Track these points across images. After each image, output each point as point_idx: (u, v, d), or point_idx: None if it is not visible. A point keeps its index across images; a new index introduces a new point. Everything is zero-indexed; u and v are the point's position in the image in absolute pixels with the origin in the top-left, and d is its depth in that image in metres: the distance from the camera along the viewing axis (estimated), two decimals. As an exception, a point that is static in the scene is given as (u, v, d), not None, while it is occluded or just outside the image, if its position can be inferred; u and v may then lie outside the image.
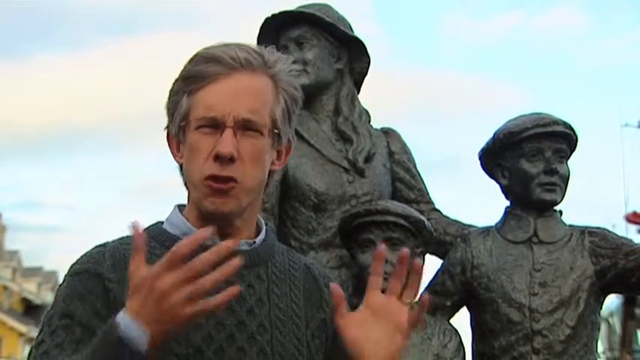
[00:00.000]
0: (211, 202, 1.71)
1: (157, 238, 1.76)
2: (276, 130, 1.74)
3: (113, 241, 1.77)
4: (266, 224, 1.83)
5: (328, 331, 1.78)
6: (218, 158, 1.69)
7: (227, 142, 1.68)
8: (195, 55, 1.75)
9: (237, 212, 1.73)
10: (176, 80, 1.76)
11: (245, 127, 1.70)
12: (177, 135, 1.76)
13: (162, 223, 1.80)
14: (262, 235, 1.80)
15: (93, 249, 1.75)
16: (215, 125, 1.70)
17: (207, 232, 1.52)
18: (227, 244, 1.51)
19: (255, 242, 1.77)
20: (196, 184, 1.72)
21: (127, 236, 1.76)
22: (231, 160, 1.68)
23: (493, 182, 3.14)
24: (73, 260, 1.75)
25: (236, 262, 1.50)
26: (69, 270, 1.74)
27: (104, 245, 1.76)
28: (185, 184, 1.78)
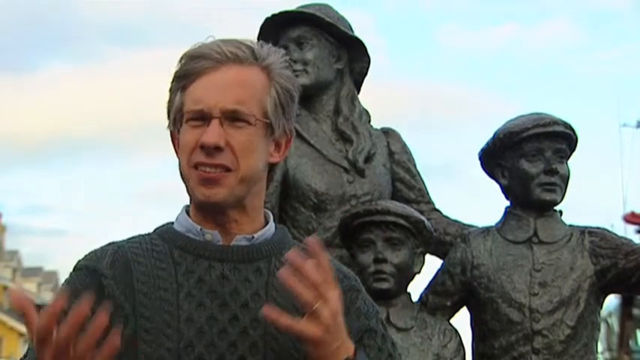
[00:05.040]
0: (201, 192, 1.73)
1: (163, 235, 1.80)
2: (267, 120, 1.76)
3: (122, 241, 1.81)
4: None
5: None
6: (203, 148, 1.71)
7: (211, 133, 1.71)
8: (185, 54, 1.78)
9: (230, 202, 1.75)
10: (172, 80, 1.80)
11: (233, 117, 1.73)
12: (176, 132, 1.79)
13: (172, 223, 1.83)
14: (268, 231, 1.81)
15: (101, 246, 1.79)
16: (203, 117, 1.73)
17: (59, 303, 1.51)
18: (82, 309, 1.50)
19: (253, 237, 1.78)
20: (186, 174, 1.75)
21: (135, 236, 1.82)
22: (217, 149, 1.71)
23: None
24: (75, 262, 1.79)
25: (102, 319, 1.50)
26: (74, 266, 1.79)
27: (112, 243, 1.80)
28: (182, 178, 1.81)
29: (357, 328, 1.76)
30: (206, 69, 1.74)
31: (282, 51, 1.82)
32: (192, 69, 1.75)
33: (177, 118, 1.77)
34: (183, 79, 1.76)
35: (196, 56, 1.75)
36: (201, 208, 1.77)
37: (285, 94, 1.78)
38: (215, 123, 1.72)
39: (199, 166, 1.73)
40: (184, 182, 1.79)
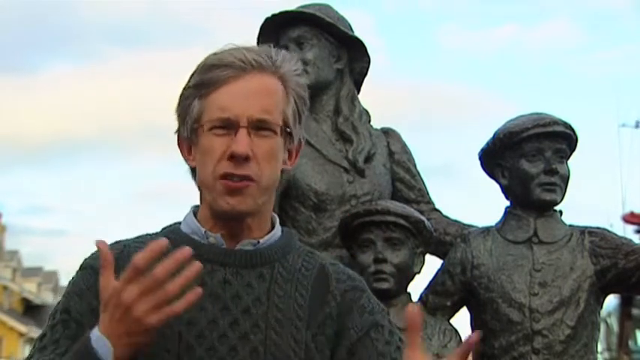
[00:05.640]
0: (226, 201, 1.73)
1: (168, 236, 1.78)
2: (288, 130, 1.77)
3: (128, 239, 1.81)
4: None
5: (334, 325, 1.76)
6: (233, 158, 1.71)
7: (242, 142, 1.71)
8: (205, 62, 1.77)
9: (252, 211, 1.75)
10: (187, 87, 1.78)
11: (258, 127, 1.73)
12: (188, 138, 1.78)
13: (179, 223, 1.83)
14: (273, 236, 1.80)
15: (110, 245, 1.77)
16: (229, 126, 1.72)
17: (161, 242, 1.55)
18: (184, 251, 1.53)
19: (259, 242, 1.78)
20: (210, 184, 1.74)
21: (143, 235, 1.82)
22: (246, 159, 1.71)
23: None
24: (75, 262, 1.81)
25: (196, 266, 1.53)
26: (80, 264, 1.79)
27: (118, 242, 1.80)
28: (198, 186, 1.80)
29: (362, 324, 1.76)
30: (229, 77, 1.73)
31: (295, 57, 1.82)
32: (215, 77, 1.74)
33: (194, 126, 1.75)
34: (203, 87, 1.75)
35: (219, 65, 1.74)
36: (220, 216, 1.76)
37: (300, 102, 1.80)
38: (243, 132, 1.71)
39: (226, 177, 1.72)
40: (200, 188, 1.79)
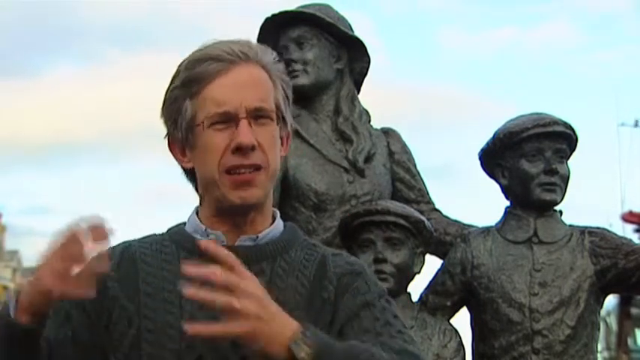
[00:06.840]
0: (237, 195, 1.73)
1: (173, 236, 1.82)
2: (282, 115, 1.78)
3: (134, 240, 1.83)
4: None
5: (332, 310, 1.74)
6: (238, 150, 1.71)
7: (246, 133, 1.71)
8: (190, 57, 1.77)
9: (262, 201, 1.76)
10: (173, 88, 1.77)
11: (257, 115, 1.74)
12: (182, 140, 1.77)
13: (184, 223, 1.84)
14: (273, 230, 1.80)
15: (112, 246, 1.78)
16: (228, 120, 1.73)
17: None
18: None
19: (257, 237, 1.78)
20: (216, 180, 1.73)
21: (148, 235, 1.84)
22: (252, 149, 1.71)
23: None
24: None
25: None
26: None
27: (123, 243, 1.82)
28: (195, 187, 1.81)
29: (354, 305, 1.74)
30: (218, 71, 1.73)
31: (269, 49, 1.84)
32: (203, 72, 1.73)
33: (189, 126, 1.75)
34: (193, 84, 1.74)
35: (206, 58, 1.74)
36: (228, 211, 1.75)
37: (287, 89, 1.81)
38: (244, 123, 1.72)
39: (233, 170, 1.72)
40: (198, 188, 1.79)
